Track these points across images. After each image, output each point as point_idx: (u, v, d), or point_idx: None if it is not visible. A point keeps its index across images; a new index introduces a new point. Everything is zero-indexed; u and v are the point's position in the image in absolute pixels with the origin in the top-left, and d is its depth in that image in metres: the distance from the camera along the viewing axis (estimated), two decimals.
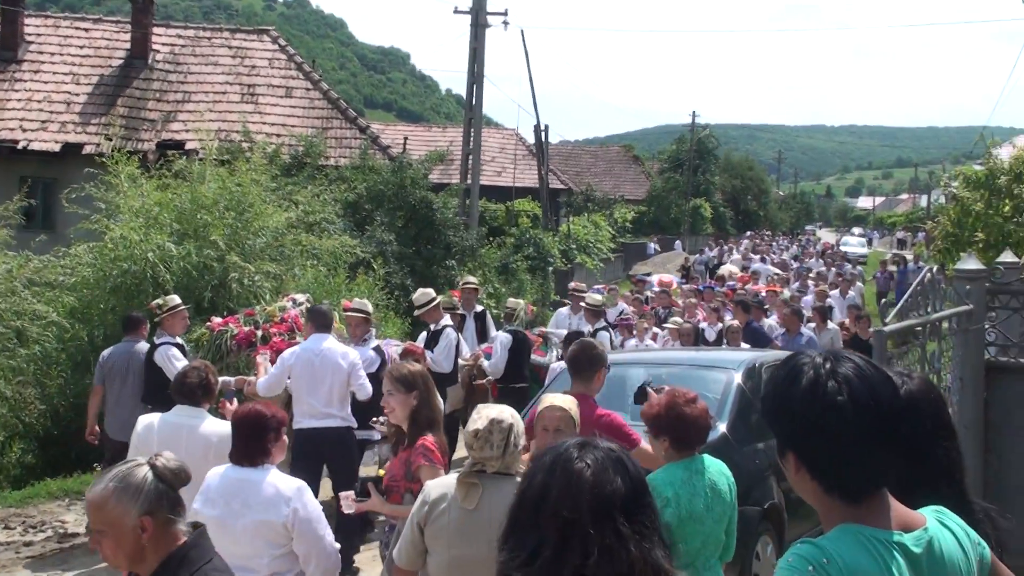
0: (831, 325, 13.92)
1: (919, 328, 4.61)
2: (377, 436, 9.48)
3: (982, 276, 5.43)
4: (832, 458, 2.04)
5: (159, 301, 9.30)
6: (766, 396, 2.20)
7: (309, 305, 10.19)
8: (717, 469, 4.92)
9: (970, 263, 5.53)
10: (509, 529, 2.13)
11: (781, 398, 2.12)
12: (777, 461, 6.28)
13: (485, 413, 4.15)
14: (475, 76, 24.70)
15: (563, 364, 10.33)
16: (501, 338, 11.26)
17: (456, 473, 4.22)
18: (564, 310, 13.84)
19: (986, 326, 5.49)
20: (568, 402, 4.86)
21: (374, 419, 8.44)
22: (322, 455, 8.14)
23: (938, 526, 2.14)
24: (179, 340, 9.32)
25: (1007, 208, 12.97)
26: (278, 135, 21.35)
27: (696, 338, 12.71)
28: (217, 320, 10.26)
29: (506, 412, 4.17)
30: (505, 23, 26.70)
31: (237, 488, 4.76)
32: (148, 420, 5.99)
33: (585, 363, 5.97)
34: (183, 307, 9.46)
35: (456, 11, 25.42)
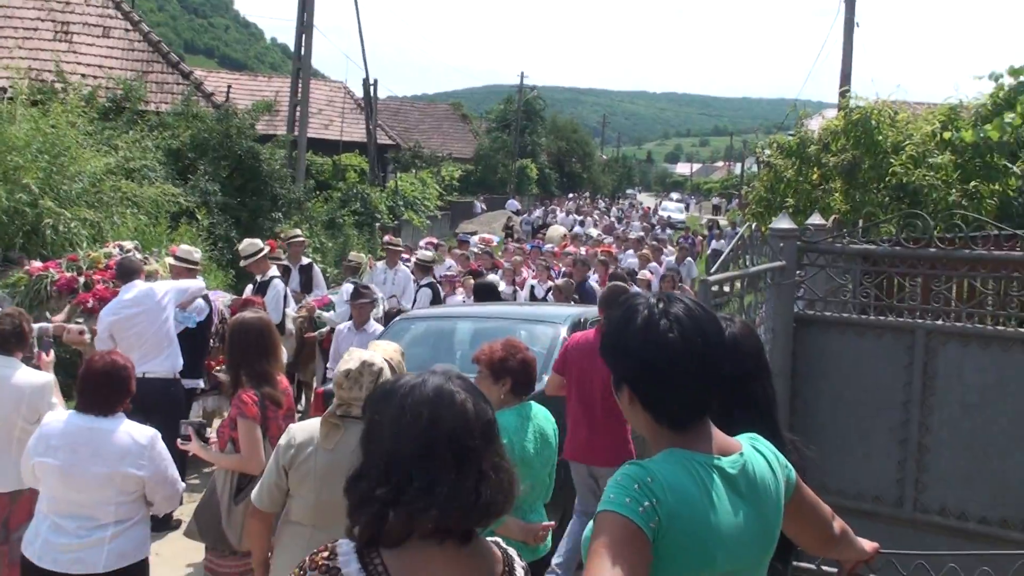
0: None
1: (738, 281, 4.92)
2: (202, 385, 9.34)
3: (794, 235, 5.80)
4: (662, 390, 2.21)
5: None
6: (604, 335, 2.36)
7: (137, 253, 9.87)
8: (544, 415, 5.11)
9: (783, 222, 5.90)
10: (388, 467, 2.04)
11: (617, 335, 2.28)
12: None
13: (357, 355, 4.14)
14: (304, 25, 24.18)
15: (350, 323, 10.34)
16: (347, 289, 11.31)
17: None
18: (380, 264, 13.82)
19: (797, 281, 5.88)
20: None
21: (217, 368, 8.26)
22: (145, 406, 7.93)
23: (752, 451, 2.36)
24: None
25: (815, 176, 13.74)
26: (95, 77, 20.33)
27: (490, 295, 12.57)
28: (37, 265, 9.80)
29: (378, 356, 4.17)
30: None
31: (87, 437, 4.61)
32: None
33: (616, 303, 6.53)
34: None
35: None
